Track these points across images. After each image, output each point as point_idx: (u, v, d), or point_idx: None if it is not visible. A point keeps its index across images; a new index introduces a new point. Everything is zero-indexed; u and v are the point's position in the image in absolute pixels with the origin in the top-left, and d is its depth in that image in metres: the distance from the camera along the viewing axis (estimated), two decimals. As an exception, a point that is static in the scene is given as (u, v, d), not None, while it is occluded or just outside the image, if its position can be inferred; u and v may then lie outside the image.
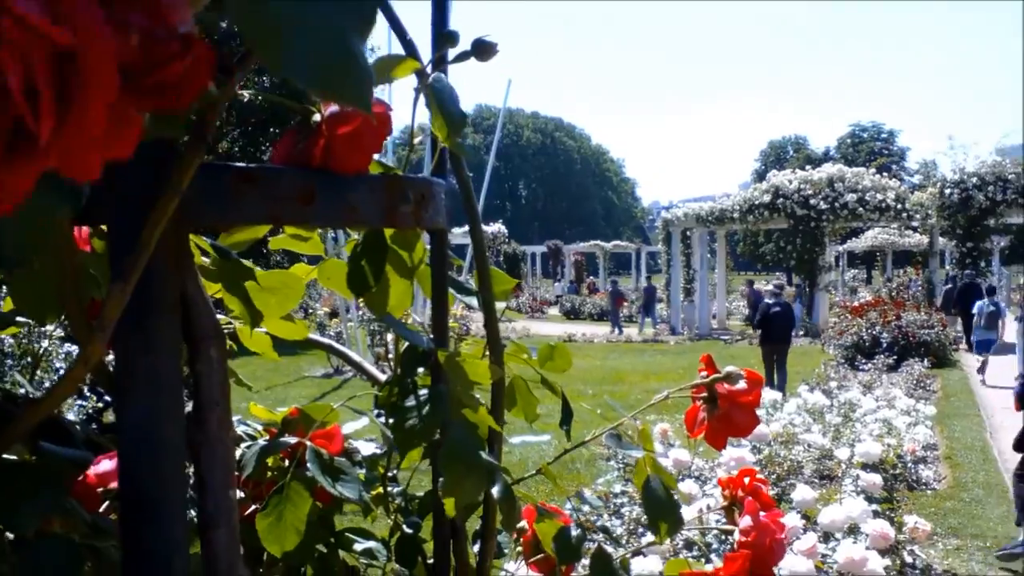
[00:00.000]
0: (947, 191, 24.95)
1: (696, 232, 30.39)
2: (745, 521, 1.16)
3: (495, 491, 1.00)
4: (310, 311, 26.42)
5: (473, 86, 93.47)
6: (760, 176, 38.52)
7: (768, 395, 10.69)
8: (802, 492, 6.17)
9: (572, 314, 39.84)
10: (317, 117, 0.85)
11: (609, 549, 1.19)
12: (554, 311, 43.67)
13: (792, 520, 5.48)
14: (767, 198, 27.68)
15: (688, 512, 5.85)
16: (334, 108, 0.84)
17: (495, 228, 41.36)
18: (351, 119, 0.83)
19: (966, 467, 9.84)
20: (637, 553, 5.30)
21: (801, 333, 21.48)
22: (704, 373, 1.21)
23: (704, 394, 1.20)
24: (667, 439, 7.79)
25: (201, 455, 0.79)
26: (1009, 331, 21.35)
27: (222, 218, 0.80)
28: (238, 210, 0.78)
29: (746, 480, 1.24)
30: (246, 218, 0.82)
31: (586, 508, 4.82)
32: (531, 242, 65.59)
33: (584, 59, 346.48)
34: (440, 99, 0.88)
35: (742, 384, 1.16)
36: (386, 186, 0.88)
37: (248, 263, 1.11)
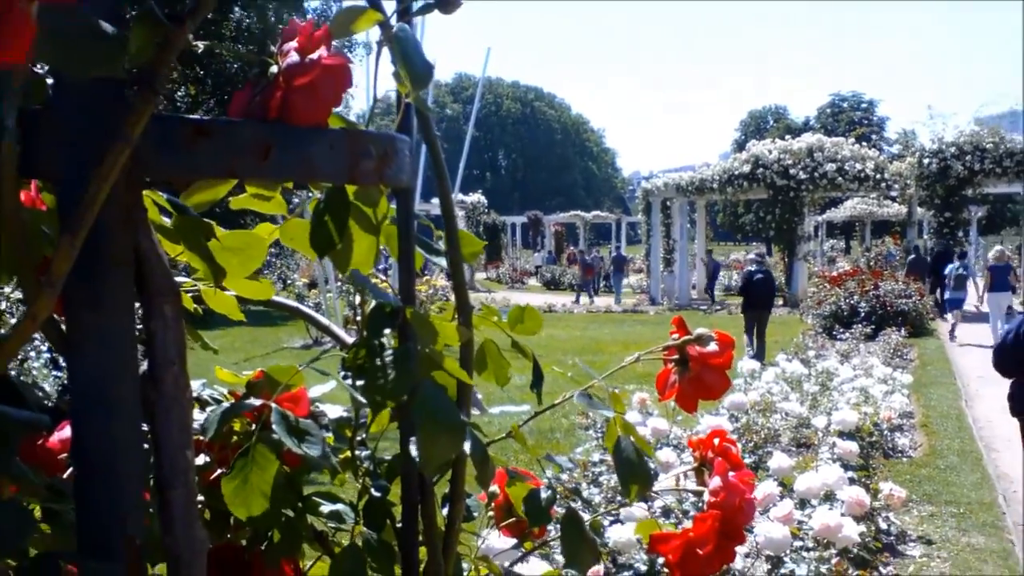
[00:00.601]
0: (925, 161, 25.05)
1: (676, 202, 30.42)
2: (714, 482, 1.15)
3: (467, 449, 0.99)
4: (289, 282, 26.31)
5: (453, 55, 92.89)
6: (740, 146, 38.60)
7: (747, 364, 10.75)
8: (779, 460, 6.22)
9: (552, 284, 39.88)
10: (275, 69, 0.83)
11: (584, 514, 1.18)
12: (534, 282, 43.74)
13: (769, 487, 5.52)
14: (747, 168, 27.72)
15: (667, 480, 5.88)
16: (292, 59, 0.82)
17: (475, 198, 41.26)
18: (308, 70, 0.80)
19: (942, 435, 9.93)
20: (616, 521, 5.33)
21: (780, 303, 21.56)
22: (676, 336, 1.20)
23: (675, 356, 1.19)
24: (645, 408, 7.82)
25: (157, 415, 0.77)
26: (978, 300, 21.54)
27: (175, 171, 0.78)
28: (192, 163, 0.76)
29: (716, 441, 1.23)
30: (201, 171, 0.79)
31: (564, 477, 4.83)
32: (511, 212, 65.47)
33: (564, 29, 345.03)
34: (404, 49, 0.85)
35: (713, 346, 1.15)
36: (348, 141, 0.86)
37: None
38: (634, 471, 1.12)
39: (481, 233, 44.33)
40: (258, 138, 0.78)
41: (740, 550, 5.69)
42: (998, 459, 9.26)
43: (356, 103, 26.54)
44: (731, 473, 1.16)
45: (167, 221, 0.95)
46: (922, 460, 8.87)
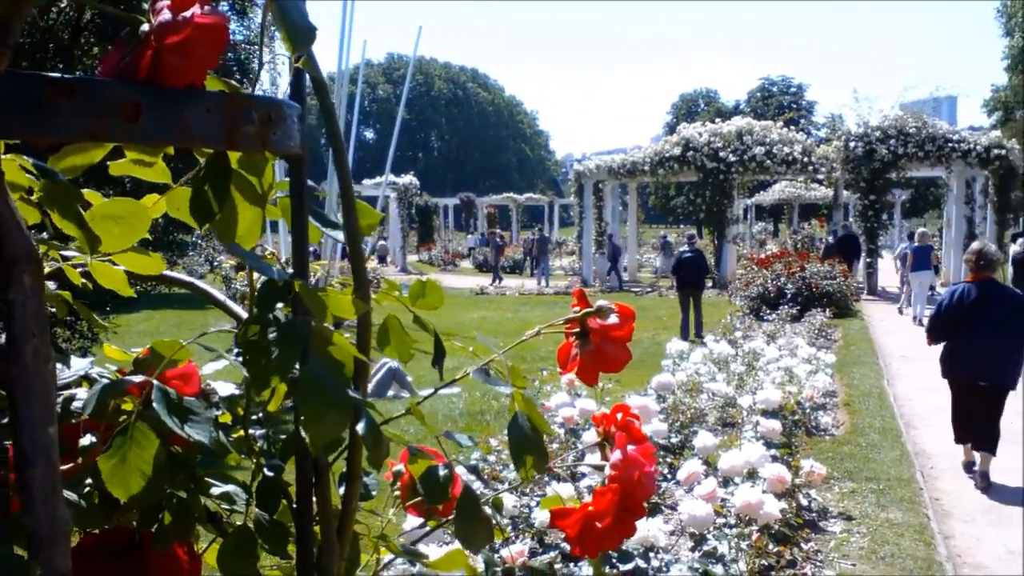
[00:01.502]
0: (851, 144, 25.50)
1: (608, 184, 30.57)
2: (615, 456, 1.14)
3: (360, 428, 0.96)
4: (216, 263, 25.87)
5: (384, 35, 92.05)
6: (671, 129, 38.87)
7: (675, 345, 10.86)
8: (704, 439, 6.29)
9: (484, 267, 39.86)
10: (145, 27, 0.79)
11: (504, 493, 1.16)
12: (467, 264, 43.70)
13: (694, 466, 5.59)
14: (677, 151, 27.95)
15: (594, 459, 5.91)
16: (163, 17, 0.78)
17: (406, 180, 40.96)
18: (180, 29, 0.76)
19: (863, 413, 10.14)
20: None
21: (709, 284, 21.86)
22: (577, 308, 1.18)
23: (577, 329, 1.17)
24: (574, 389, 7.84)
25: (16, 390, 0.73)
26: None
27: (33, 132, 0.73)
28: (53, 124, 0.72)
29: (619, 416, 1.22)
30: (62, 133, 0.75)
31: (492, 459, 4.81)
32: (444, 194, 65.25)
33: (497, 9, 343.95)
34: (284, 9, 0.82)
35: (614, 318, 1.14)
36: (226, 104, 0.82)
37: (97, 193, 1.04)
38: (527, 445, 1.10)
39: (413, 215, 44.18)
40: (125, 99, 0.75)
41: (665, 527, 5.76)
42: (916, 436, 9.50)
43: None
44: (631, 447, 1.15)
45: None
46: (844, 438, 9.05)
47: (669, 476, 6.69)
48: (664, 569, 4.56)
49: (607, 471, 1.15)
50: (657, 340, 15.20)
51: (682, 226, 61.80)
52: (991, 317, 7.50)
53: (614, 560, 4.54)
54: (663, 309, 22.58)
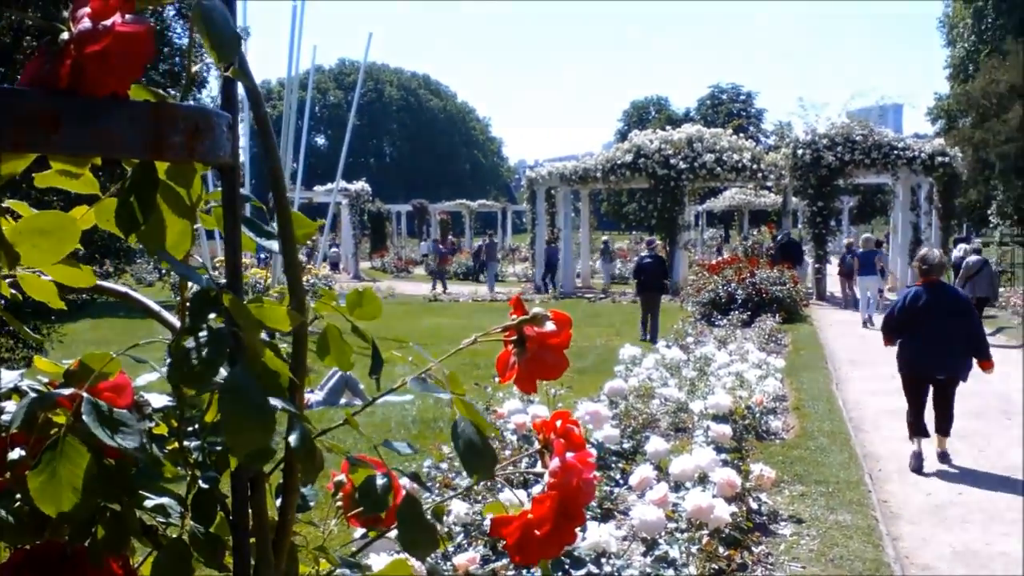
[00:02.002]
0: (799, 151, 25.82)
1: (560, 191, 30.66)
2: (554, 463, 1.14)
3: (292, 440, 0.96)
4: (164, 271, 25.54)
5: (335, 40, 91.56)
6: (623, 136, 39.11)
7: (628, 351, 10.92)
8: (655, 444, 6.33)
9: (437, 273, 39.77)
10: (65, 35, 0.78)
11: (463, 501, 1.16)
12: (420, 271, 43.57)
13: (645, 471, 5.62)
14: (629, 158, 28.14)
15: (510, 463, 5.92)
16: (84, 25, 0.77)
17: (358, 186, 40.76)
18: (100, 37, 0.75)
19: (813, 417, 10.25)
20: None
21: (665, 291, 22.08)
22: (515, 316, 1.19)
23: (514, 337, 1.17)
24: (527, 395, 7.85)
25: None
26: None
27: (-53, 141, 0.72)
28: (-31, 134, 0.70)
29: (558, 423, 1.23)
30: (-25, 143, 0.73)
31: (444, 466, 4.80)
32: (397, 200, 64.97)
33: (449, 17, 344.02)
34: (208, 18, 0.81)
35: (550, 326, 1.14)
36: (151, 114, 0.81)
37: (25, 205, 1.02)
38: (475, 452, 1.10)
39: (366, 221, 43.97)
40: (44, 108, 0.73)
41: (618, 533, 5.78)
42: (865, 439, 9.63)
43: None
44: (570, 454, 1.15)
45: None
46: (794, 442, 9.14)
47: (621, 481, 6.72)
48: (616, 574, 4.58)
49: (546, 478, 1.15)
50: (610, 346, 15.26)
51: (634, 232, 62.14)
52: (940, 316, 8.29)
53: (567, 566, 4.55)
54: (617, 315, 22.69)
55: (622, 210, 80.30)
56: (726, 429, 6.96)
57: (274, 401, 0.95)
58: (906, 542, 6.62)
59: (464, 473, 6.55)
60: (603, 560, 4.62)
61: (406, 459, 7.63)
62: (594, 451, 6.26)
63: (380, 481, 1.11)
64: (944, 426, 8.66)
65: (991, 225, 41.17)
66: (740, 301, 19.66)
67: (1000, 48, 54.58)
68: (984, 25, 65.37)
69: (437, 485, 6.04)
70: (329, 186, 33.80)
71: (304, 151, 18.61)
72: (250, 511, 1.03)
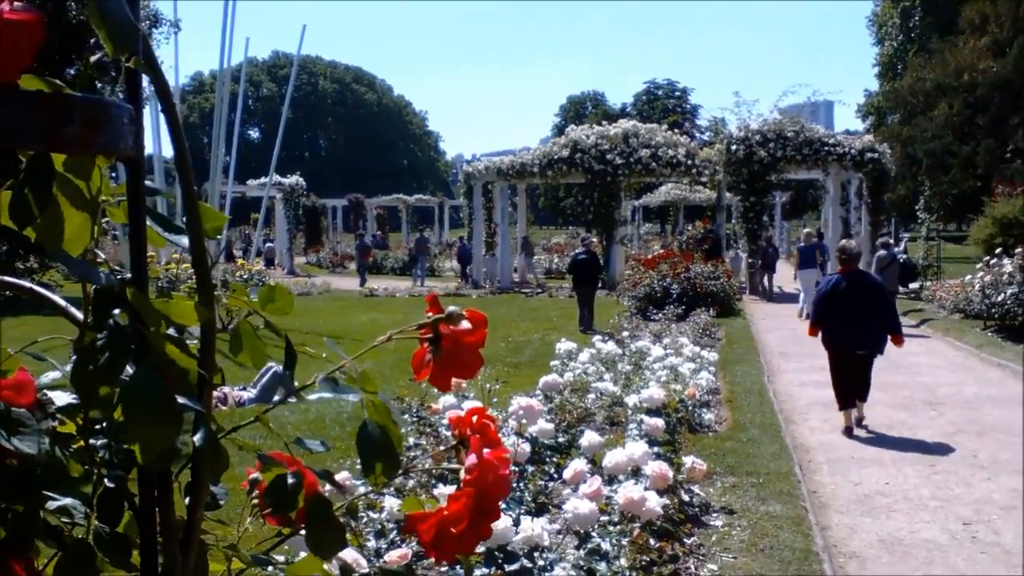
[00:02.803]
0: (732, 147, 26.15)
1: (497, 186, 30.64)
2: (470, 459, 1.14)
3: (197, 439, 0.94)
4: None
5: (268, 32, 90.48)
6: (560, 131, 39.19)
7: (563, 346, 10.94)
8: (589, 437, 6.35)
9: (375, 268, 39.55)
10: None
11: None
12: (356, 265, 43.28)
13: (579, 465, 5.63)
14: (565, 152, 28.26)
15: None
16: (-35, 14, 0.73)
17: (293, 180, 40.34)
18: (-13, 23, 0.73)
19: (745, 409, 10.38)
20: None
21: (599, 285, 22.26)
22: (431, 314, 1.18)
23: (430, 335, 1.16)
24: (461, 392, 7.82)
25: None
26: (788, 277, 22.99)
27: None
28: None
29: (474, 419, 1.22)
30: None
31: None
32: (333, 195, 64.45)
33: (384, 9, 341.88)
34: (102, 7, 0.78)
35: (465, 324, 1.14)
36: (44, 104, 0.78)
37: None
38: (378, 452, 1.09)
39: (301, 216, 43.53)
40: (-72, 97, 0.71)
41: (552, 527, 5.80)
42: (795, 431, 9.79)
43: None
44: (486, 450, 1.15)
45: None
46: (726, 434, 9.26)
47: (556, 476, 6.74)
48: (549, 568, 4.59)
49: (462, 475, 1.14)
50: (547, 341, 15.31)
51: (571, 228, 62.36)
52: (858, 299, 9.57)
53: (500, 560, 4.55)
54: (553, 310, 22.76)
55: (560, 205, 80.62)
56: (659, 422, 7.01)
57: (181, 400, 0.93)
58: (834, 531, 6.74)
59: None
60: (536, 554, 4.62)
61: (340, 456, 7.57)
62: (528, 445, 6.28)
63: (291, 480, 1.09)
64: (863, 394, 9.92)
65: (919, 220, 42.10)
66: (675, 296, 19.85)
67: (927, 46, 55.87)
68: (911, 24, 66.86)
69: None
70: (263, 180, 33.44)
71: (237, 144, 18.35)
72: (158, 510, 1.01)
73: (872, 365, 9.90)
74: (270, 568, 1.20)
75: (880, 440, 9.34)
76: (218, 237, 1.02)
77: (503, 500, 1.13)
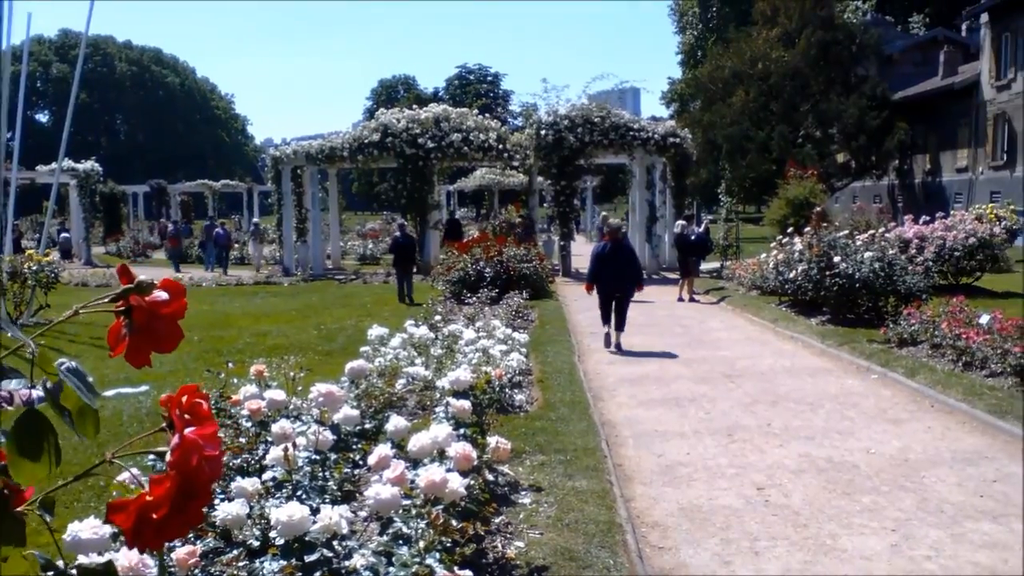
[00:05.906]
0: (542, 132, 26.47)
1: (307, 170, 29.96)
2: (173, 440, 1.00)
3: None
4: None
5: (55, 9, 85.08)
6: (371, 115, 38.71)
7: (375, 331, 10.73)
8: (395, 422, 6.23)
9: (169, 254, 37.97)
10: None
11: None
12: (159, 255, 41.45)
13: (384, 450, 5.50)
14: (376, 137, 27.92)
15: (277, 450, 5.69)
16: None
17: (87, 166, 38.19)
18: None
19: (555, 389, 10.50)
20: (225, 498, 5.08)
21: (414, 271, 22.23)
22: (122, 285, 1.03)
23: (123, 307, 1.02)
24: (263, 380, 7.54)
25: None
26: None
27: None
28: None
29: (184, 398, 1.08)
30: None
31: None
32: (133, 181, 61.60)
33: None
34: None
35: (160, 295, 1.00)
36: None
37: None
38: (27, 452, 0.93)
39: (97, 204, 41.32)
40: None
41: (359, 515, 5.64)
42: (603, 408, 9.98)
43: None
44: (190, 429, 1.01)
45: None
46: (536, 413, 9.32)
47: (362, 463, 6.59)
48: (349, 555, 4.45)
49: (167, 457, 1.00)
50: (361, 327, 15.06)
51: (386, 213, 61.86)
52: (617, 260, 14.15)
53: (298, 551, 4.38)
54: (367, 296, 22.49)
55: (374, 190, 79.95)
56: (466, 404, 6.94)
57: None
58: (638, 502, 6.89)
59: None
60: (335, 543, 4.47)
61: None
62: (330, 433, 6.10)
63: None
64: (620, 325, 14.32)
65: (721, 203, 43.92)
66: (489, 279, 19.92)
67: (724, 36, 58.31)
68: (710, 14, 69.69)
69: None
70: (53, 165, 31.42)
71: (21, 127, 17.15)
72: None
73: (627, 305, 14.41)
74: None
75: (683, 414, 9.63)
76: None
77: (214, 483, 0.99)
